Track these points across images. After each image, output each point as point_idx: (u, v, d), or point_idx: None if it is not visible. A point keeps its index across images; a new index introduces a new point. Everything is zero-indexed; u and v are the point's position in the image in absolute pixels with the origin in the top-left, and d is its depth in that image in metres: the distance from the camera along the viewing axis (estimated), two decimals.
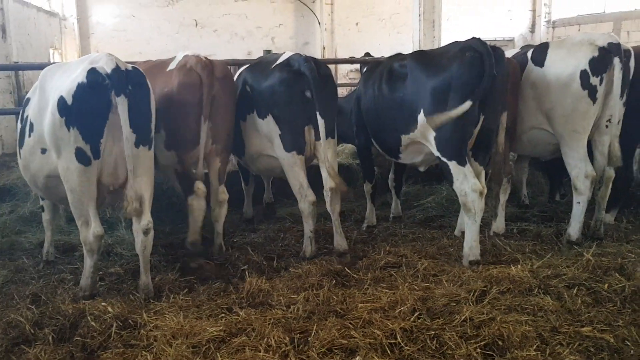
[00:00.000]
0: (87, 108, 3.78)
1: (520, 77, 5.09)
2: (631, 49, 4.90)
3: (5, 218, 5.94)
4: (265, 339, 3.21)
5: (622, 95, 4.84)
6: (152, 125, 4.12)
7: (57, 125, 3.81)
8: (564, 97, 4.86)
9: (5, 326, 3.55)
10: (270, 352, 3.10)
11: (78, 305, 3.76)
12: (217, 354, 3.13)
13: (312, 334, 3.29)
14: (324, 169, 4.83)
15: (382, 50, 12.98)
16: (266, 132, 4.90)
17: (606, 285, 3.84)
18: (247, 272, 4.43)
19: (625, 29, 14.55)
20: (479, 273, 4.18)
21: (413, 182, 7.27)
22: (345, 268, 4.44)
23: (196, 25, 17.31)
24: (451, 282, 4.08)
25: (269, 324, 3.44)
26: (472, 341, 3.15)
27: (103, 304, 3.75)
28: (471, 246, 4.53)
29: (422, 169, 5.46)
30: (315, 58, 5.00)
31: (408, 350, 3.10)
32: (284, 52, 5.05)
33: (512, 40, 17.84)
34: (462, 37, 4.69)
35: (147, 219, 4.03)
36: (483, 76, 4.30)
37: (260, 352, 3.10)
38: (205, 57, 4.74)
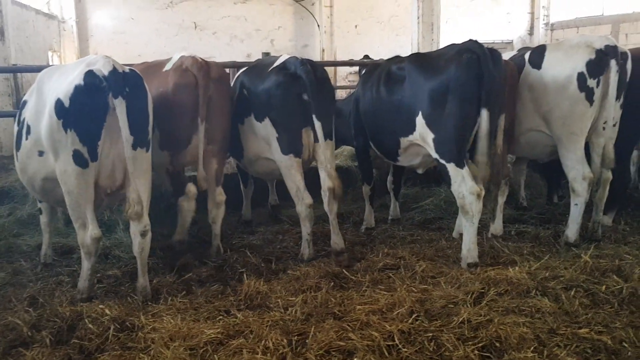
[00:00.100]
0: (84, 110, 3.78)
1: (517, 80, 5.09)
2: (628, 52, 4.91)
3: (3, 221, 5.93)
4: (263, 341, 3.21)
5: (618, 98, 4.85)
6: (150, 127, 4.12)
7: (54, 127, 3.80)
8: (561, 99, 4.87)
9: (2, 329, 3.55)
10: (268, 355, 3.09)
11: (76, 307, 3.75)
12: (215, 356, 3.12)
13: (310, 336, 3.29)
14: (322, 170, 4.84)
15: (381, 52, 12.99)
16: (264, 135, 4.91)
17: (604, 287, 3.85)
18: (245, 275, 4.43)
19: (623, 32, 14.60)
20: (477, 275, 4.18)
21: (411, 185, 7.29)
22: (344, 270, 4.44)
23: (195, 27, 17.32)
24: (449, 284, 4.09)
25: (266, 326, 3.44)
26: (470, 343, 3.15)
27: (101, 306, 3.75)
28: (469, 248, 4.53)
29: (420, 171, 5.46)
30: (311, 60, 5.01)
31: (406, 352, 3.09)
32: (281, 55, 5.07)
33: (510, 43, 17.90)
34: (461, 39, 4.69)
35: (144, 221, 4.02)
36: (481, 78, 4.32)
37: (257, 354, 3.10)
38: (201, 58, 4.74)
